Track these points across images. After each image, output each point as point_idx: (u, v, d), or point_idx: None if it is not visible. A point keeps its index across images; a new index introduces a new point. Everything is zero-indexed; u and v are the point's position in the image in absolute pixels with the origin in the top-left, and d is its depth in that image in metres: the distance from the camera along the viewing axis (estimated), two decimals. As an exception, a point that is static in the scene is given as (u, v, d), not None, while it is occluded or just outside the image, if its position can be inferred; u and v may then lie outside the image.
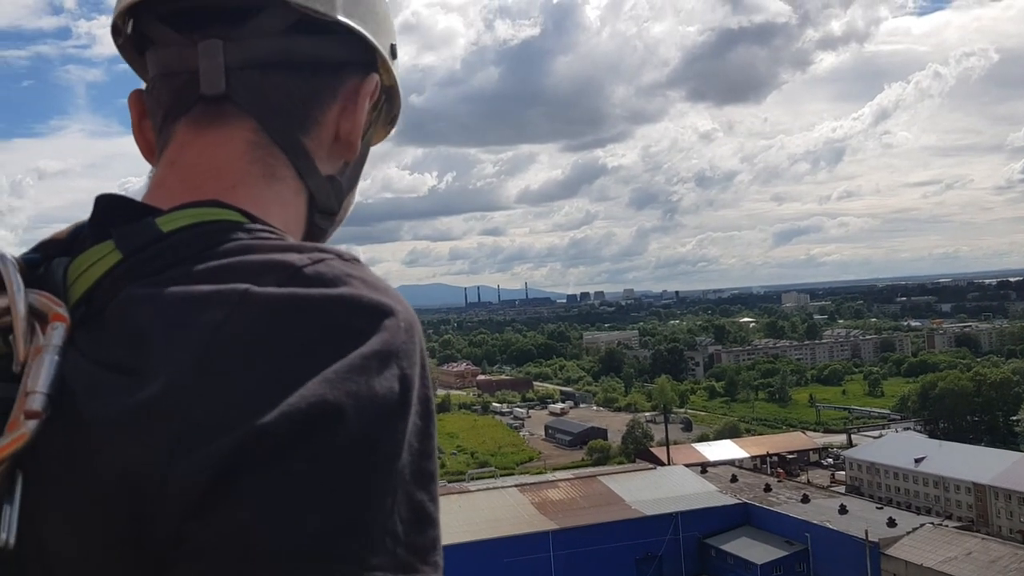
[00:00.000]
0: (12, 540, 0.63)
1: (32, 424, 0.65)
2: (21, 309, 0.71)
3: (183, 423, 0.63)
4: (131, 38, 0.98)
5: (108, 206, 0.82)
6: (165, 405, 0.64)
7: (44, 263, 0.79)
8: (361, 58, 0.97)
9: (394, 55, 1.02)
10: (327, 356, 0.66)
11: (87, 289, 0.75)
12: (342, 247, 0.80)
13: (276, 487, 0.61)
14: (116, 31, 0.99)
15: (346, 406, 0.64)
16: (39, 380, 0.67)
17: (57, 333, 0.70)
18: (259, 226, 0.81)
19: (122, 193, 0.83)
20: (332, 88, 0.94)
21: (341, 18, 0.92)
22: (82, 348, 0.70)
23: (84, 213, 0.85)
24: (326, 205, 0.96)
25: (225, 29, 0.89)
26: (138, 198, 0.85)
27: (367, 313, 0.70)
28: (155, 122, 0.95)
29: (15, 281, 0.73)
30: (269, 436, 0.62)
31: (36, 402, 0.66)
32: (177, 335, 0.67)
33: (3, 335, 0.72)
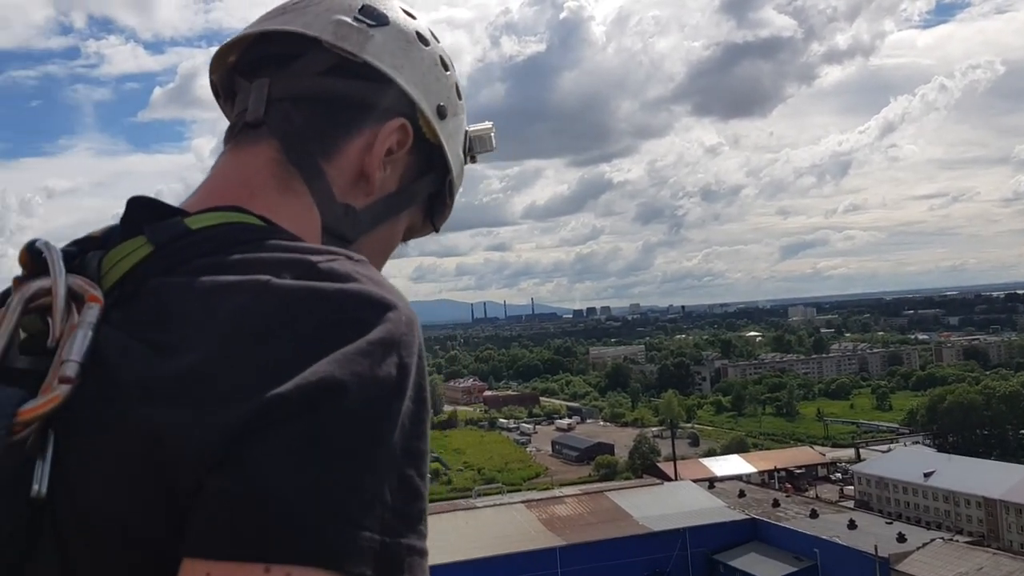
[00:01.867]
0: (44, 491, 0.70)
1: (65, 388, 0.72)
2: (61, 290, 0.79)
3: (208, 390, 0.70)
4: (226, 97, 1.16)
5: (140, 206, 0.90)
6: (193, 374, 0.72)
7: (80, 256, 0.87)
8: (397, 106, 1.06)
9: (441, 115, 1.11)
10: (336, 340, 0.73)
11: (120, 276, 0.83)
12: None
13: (284, 448, 0.68)
14: (216, 92, 1.18)
15: (350, 384, 0.71)
16: (72, 350, 0.74)
17: (92, 312, 0.78)
18: (277, 229, 0.91)
19: (152, 196, 0.93)
20: (359, 124, 1.04)
21: (367, 58, 1.04)
22: (116, 326, 0.78)
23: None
24: (333, 226, 1.02)
25: (275, 70, 1.05)
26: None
27: (373, 306, 0.77)
28: None
29: (58, 265, 0.81)
30: (282, 404, 0.69)
31: (70, 369, 0.73)
32: (205, 317, 0.75)
33: (42, 315, 0.80)
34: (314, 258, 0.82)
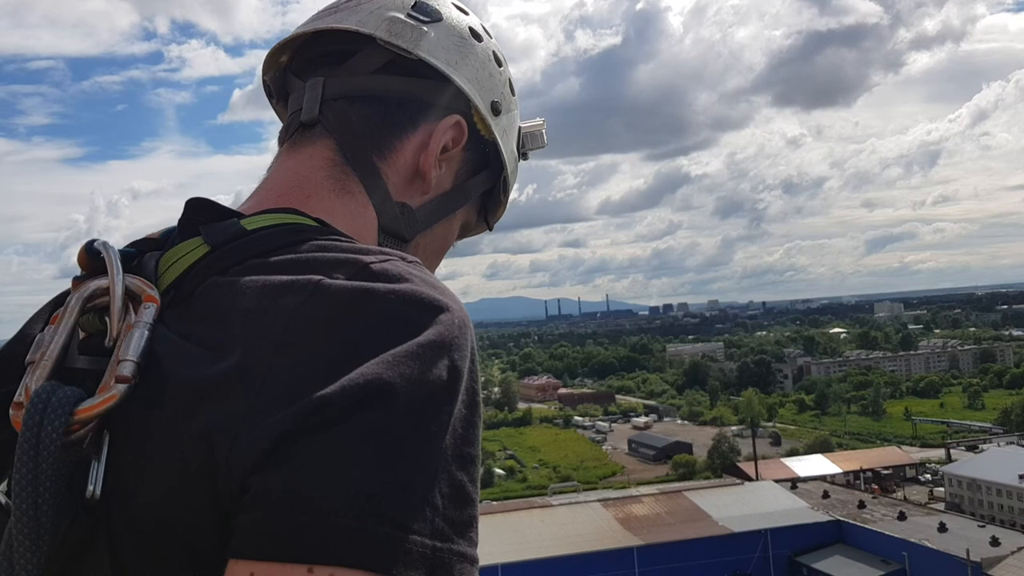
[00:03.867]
0: (98, 492, 0.71)
1: (122, 387, 0.73)
2: (119, 290, 0.80)
3: (257, 391, 0.70)
4: (279, 96, 1.16)
5: (198, 207, 0.92)
6: (243, 375, 0.71)
7: (138, 257, 0.88)
8: (451, 103, 1.07)
9: (496, 111, 1.12)
10: (387, 342, 0.72)
11: (177, 276, 0.84)
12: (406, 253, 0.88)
13: (330, 450, 0.67)
14: (268, 92, 1.18)
15: (399, 386, 0.70)
16: (129, 349, 0.75)
17: (148, 312, 0.79)
18: (332, 230, 0.91)
19: (210, 198, 0.94)
20: (413, 122, 1.05)
21: (422, 55, 1.04)
22: (171, 326, 0.78)
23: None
24: (389, 226, 1.03)
25: (330, 69, 1.06)
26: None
27: (425, 307, 0.76)
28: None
29: (116, 265, 0.82)
30: (329, 406, 0.68)
31: (126, 368, 0.74)
32: (257, 316, 0.75)
33: (100, 314, 0.81)
34: (367, 258, 0.81)
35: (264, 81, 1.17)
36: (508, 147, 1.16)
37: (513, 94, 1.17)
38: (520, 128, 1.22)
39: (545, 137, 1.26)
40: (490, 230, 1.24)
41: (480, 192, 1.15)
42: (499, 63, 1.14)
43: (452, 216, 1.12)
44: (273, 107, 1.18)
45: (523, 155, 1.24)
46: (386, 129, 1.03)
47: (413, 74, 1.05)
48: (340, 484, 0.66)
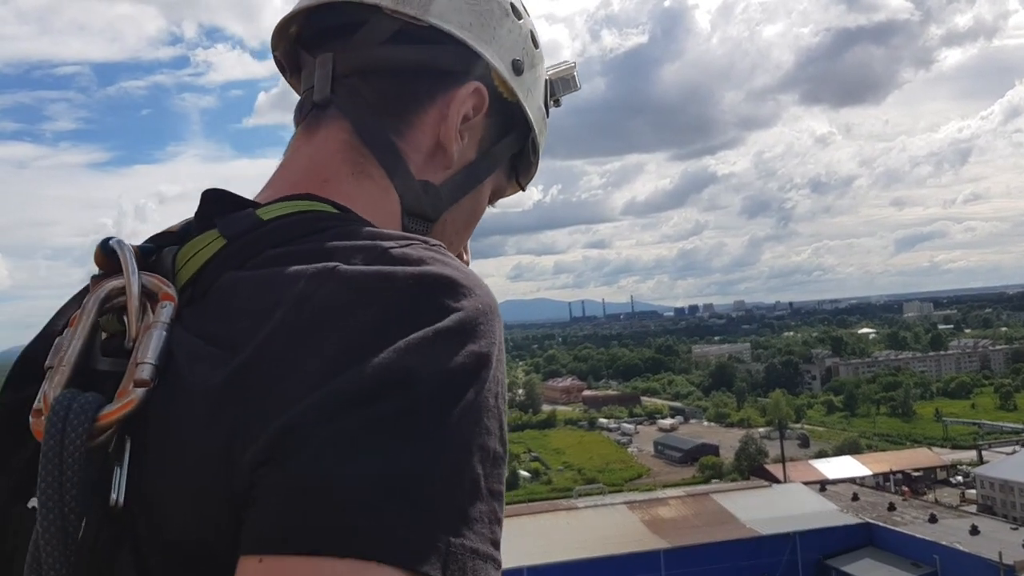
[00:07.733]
0: (122, 500, 0.69)
1: (140, 392, 0.71)
2: (135, 289, 0.78)
3: (273, 388, 0.68)
4: (291, 71, 1.11)
5: (213, 199, 0.89)
6: (259, 373, 0.69)
7: (156, 252, 0.87)
8: (468, 69, 1.00)
9: (518, 70, 1.05)
10: (406, 327, 0.69)
11: (194, 273, 0.82)
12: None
13: (342, 439, 0.64)
14: (281, 67, 1.12)
15: (418, 373, 0.67)
16: (147, 352, 0.73)
17: (165, 311, 0.77)
18: (351, 216, 0.88)
19: (226, 188, 0.91)
20: (430, 93, 0.99)
21: (433, 21, 0.97)
22: (187, 324, 0.76)
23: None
24: (413, 207, 0.98)
25: (339, 43, 1.00)
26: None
27: (446, 292, 0.73)
28: None
29: (131, 264, 0.80)
30: (339, 395, 0.66)
31: (144, 372, 0.72)
32: (272, 310, 0.72)
33: (118, 315, 0.80)
34: (386, 243, 0.78)
35: (275, 57, 1.11)
36: (534, 104, 1.09)
37: (536, 46, 1.09)
38: (547, 79, 1.15)
39: (578, 80, 1.19)
40: (523, 190, 1.19)
41: (508, 156, 1.10)
42: (518, 16, 1.06)
43: (480, 186, 1.06)
44: (287, 81, 1.13)
45: (555, 102, 1.18)
46: (402, 104, 0.98)
47: (426, 42, 0.98)
48: (350, 474, 0.63)
